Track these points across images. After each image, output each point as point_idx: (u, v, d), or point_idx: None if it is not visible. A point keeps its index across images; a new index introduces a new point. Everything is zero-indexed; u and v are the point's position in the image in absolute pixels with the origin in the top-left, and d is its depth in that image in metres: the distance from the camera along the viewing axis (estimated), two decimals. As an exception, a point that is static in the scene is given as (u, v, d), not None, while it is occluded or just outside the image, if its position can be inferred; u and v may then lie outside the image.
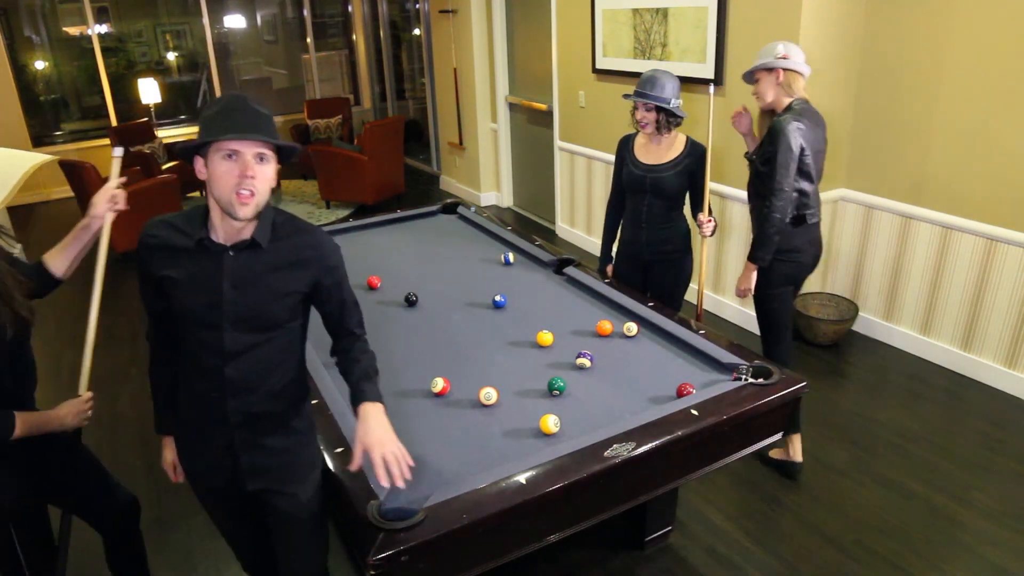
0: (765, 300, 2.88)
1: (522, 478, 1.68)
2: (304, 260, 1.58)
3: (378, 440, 1.51)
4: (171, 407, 1.73)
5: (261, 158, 1.44)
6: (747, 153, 2.89)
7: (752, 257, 2.76)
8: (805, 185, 2.71)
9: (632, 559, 2.48)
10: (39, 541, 1.97)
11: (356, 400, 1.62)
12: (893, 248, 3.71)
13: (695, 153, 2.80)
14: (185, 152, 1.48)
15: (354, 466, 1.55)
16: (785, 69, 2.65)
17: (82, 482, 2.02)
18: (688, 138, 2.85)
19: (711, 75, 3.89)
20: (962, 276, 3.43)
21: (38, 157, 1.71)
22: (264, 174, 1.45)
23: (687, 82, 4.06)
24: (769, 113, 2.77)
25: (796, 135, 2.58)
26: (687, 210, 2.95)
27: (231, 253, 1.53)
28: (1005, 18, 3.03)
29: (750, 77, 2.76)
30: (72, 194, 5.61)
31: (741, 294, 2.84)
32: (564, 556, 2.50)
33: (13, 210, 6.93)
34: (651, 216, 2.91)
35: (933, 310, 3.60)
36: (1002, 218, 3.22)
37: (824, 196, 3.80)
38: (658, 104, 2.69)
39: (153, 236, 1.55)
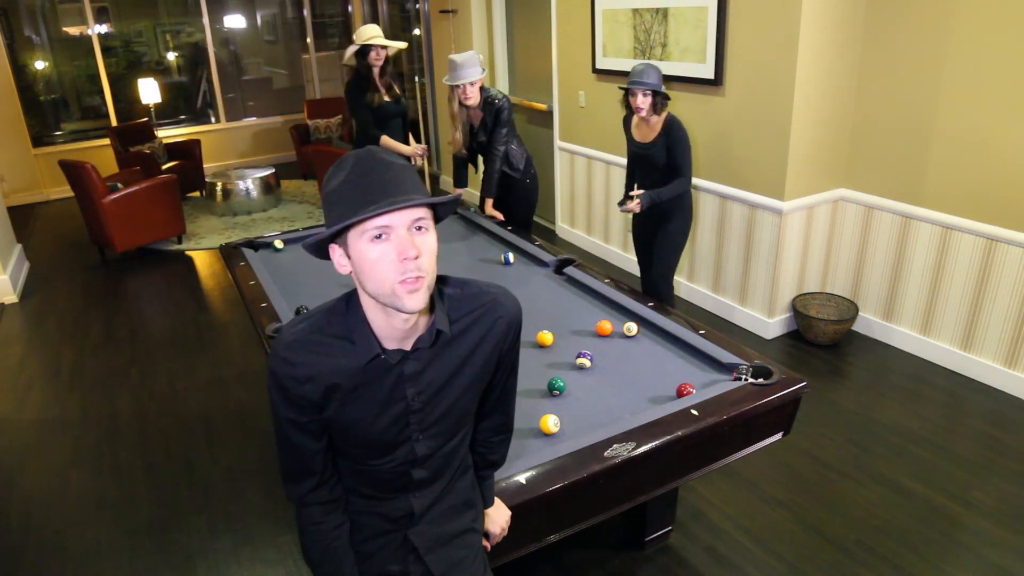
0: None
1: (522, 478, 1.68)
2: (488, 334, 1.27)
3: (502, 529, 1.60)
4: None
5: (419, 227, 1.10)
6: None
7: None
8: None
9: (632, 559, 2.48)
10: None
11: (486, 501, 1.53)
12: (893, 248, 3.71)
13: (670, 131, 3.29)
14: (317, 249, 1.15)
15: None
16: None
17: None
18: (665, 119, 3.29)
19: (711, 75, 3.89)
20: (962, 276, 3.42)
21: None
22: (427, 246, 1.10)
23: (687, 82, 4.08)
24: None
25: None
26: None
27: (412, 359, 1.22)
28: (1005, 18, 3.03)
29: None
30: (72, 194, 5.60)
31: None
32: (564, 556, 2.50)
33: (13, 210, 6.93)
34: (647, 184, 3.46)
35: (933, 310, 3.60)
36: (1002, 218, 3.22)
37: (824, 196, 3.82)
38: (654, 88, 3.19)
39: (299, 365, 1.16)
